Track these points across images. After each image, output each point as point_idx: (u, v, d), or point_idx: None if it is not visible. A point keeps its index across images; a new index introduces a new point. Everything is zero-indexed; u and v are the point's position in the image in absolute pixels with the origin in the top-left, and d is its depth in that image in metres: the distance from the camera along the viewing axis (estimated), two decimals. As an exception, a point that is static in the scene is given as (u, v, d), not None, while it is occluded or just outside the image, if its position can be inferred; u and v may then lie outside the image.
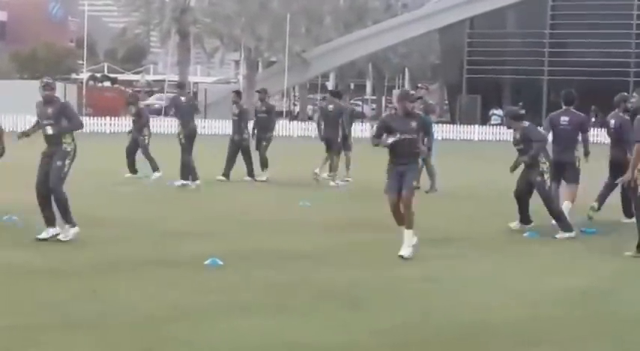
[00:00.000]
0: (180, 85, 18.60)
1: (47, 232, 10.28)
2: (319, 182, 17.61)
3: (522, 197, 11.82)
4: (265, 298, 7.76)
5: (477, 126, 46.53)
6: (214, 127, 42.05)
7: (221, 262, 9.08)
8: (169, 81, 55.88)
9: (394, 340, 6.60)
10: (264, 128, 18.58)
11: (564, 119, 12.69)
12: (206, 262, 9.05)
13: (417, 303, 7.73)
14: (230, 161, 18.12)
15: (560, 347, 6.55)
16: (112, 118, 43.79)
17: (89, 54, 57.96)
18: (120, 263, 9.13)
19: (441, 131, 39.80)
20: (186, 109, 17.14)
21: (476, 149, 35.81)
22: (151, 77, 78.52)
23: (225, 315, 7.16)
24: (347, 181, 18.36)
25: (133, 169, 18.29)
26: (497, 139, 44.02)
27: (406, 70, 75.78)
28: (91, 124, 39.49)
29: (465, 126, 45.79)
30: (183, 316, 7.07)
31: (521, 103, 54.05)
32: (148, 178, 17.53)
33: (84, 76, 56.74)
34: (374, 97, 75.26)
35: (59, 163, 10.16)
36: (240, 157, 18.12)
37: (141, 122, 18.59)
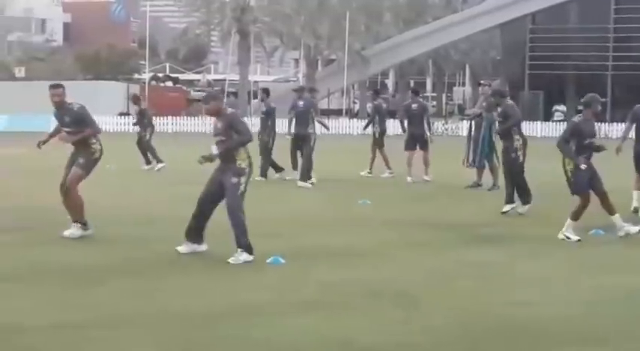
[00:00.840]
0: (299, 90, 19.07)
1: (187, 246, 9.53)
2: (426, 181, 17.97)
3: (507, 178, 13.35)
4: (323, 297, 7.75)
5: (539, 122, 45.93)
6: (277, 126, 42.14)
7: (283, 261, 9.10)
8: (230, 80, 56.23)
9: (448, 338, 6.54)
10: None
11: None
12: (268, 261, 9.08)
13: (472, 301, 7.64)
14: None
15: (614, 346, 6.42)
16: (174, 117, 44.29)
17: (151, 54, 58.64)
18: (182, 261, 9.20)
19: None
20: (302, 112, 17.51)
21: (538, 146, 35.28)
22: (211, 77, 79.08)
23: (282, 313, 7.17)
24: (426, 180, 18.25)
25: (147, 159, 20.57)
26: (561, 135, 43.47)
27: (467, 66, 75.21)
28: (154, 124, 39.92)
29: (528, 123, 45.19)
30: (241, 314, 7.08)
31: (583, 100, 53.44)
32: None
33: (146, 76, 57.40)
34: (434, 94, 74.82)
35: (234, 180, 9.17)
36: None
37: (143, 120, 21.02)
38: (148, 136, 20.68)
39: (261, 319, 6.96)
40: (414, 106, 18.53)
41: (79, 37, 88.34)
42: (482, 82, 17.55)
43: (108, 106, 43.21)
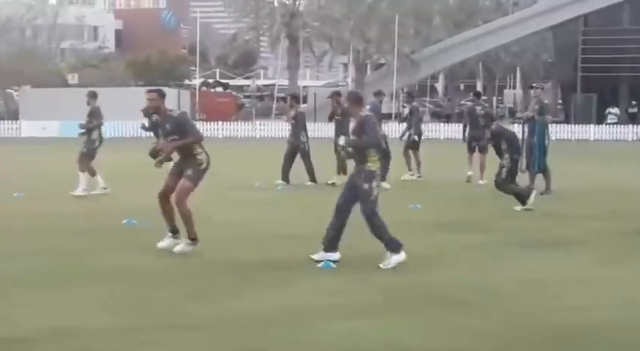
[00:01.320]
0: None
1: (319, 255, 9.35)
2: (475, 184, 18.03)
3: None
4: (374, 300, 7.73)
5: (592, 126, 45.32)
6: (323, 131, 42.23)
7: (334, 265, 9.06)
8: (279, 85, 56.47)
9: (502, 343, 6.47)
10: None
11: None
12: (319, 265, 9.05)
13: (524, 306, 7.55)
14: (287, 164, 17.95)
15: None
16: (224, 123, 44.56)
17: (201, 60, 59.13)
18: (234, 265, 9.22)
19: (556, 131, 38.98)
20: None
21: (592, 149, 34.86)
22: (261, 82, 79.53)
23: (334, 316, 7.15)
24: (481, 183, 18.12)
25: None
26: (614, 138, 42.82)
27: (518, 69, 74.54)
28: (204, 129, 40.27)
29: (581, 126, 44.67)
30: (294, 318, 7.09)
31: (634, 102, 52.58)
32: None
33: (196, 82, 57.90)
34: (485, 98, 74.23)
35: (366, 186, 9.15)
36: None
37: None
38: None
39: (313, 322, 6.95)
40: (479, 108, 18.53)
41: (131, 43, 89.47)
42: (534, 84, 17.31)
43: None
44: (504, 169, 13.90)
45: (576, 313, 7.31)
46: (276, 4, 58.44)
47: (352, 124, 9.30)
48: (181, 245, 9.88)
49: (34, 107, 46.23)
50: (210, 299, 7.72)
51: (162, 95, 9.86)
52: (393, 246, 9.17)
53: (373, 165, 9.13)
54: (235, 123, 45.84)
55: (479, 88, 77.59)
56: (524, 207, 13.73)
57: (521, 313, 7.28)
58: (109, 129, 41.80)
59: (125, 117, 42.31)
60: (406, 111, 54.47)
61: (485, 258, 9.82)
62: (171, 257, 9.69)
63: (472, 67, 69.94)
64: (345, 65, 72.08)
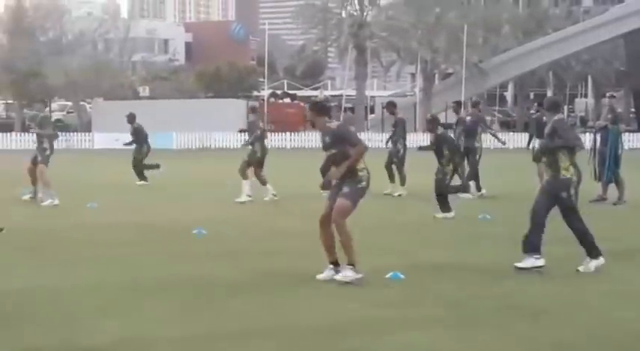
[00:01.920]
0: (541, 104, 19.25)
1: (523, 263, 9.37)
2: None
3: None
4: (445, 312, 7.66)
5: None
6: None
7: (402, 276, 9.03)
8: (346, 95, 56.54)
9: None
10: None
11: None
12: (387, 276, 9.02)
13: (603, 317, 7.40)
14: (395, 171, 18.29)
15: None
16: (293, 133, 44.75)
17: (269, 71, 59.56)
18: (302, 275, 9.24)
19: (628, 140, 38.24)
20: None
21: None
22: (328, 92, 79.74)
23: (404, 328, 7.11)
24: None
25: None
26: (690, 147, 41.80)
27: (589, 77, 73.32)
28: (273, 140, 40.51)
29: (651, 133, 43.76)
30: (362, 329, 7.06)
31: None
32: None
33: (265, 93, 58.30)
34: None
35: (563, 194, 9.42)
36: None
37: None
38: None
39: (384, 334, 6.92)
40: (545, 118, 18.30)
41: (200, 55, 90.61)
42: (607, 93, 17.07)
43: (228, 123, 44.06)
44: (447, 176, 14.25)
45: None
46: (343, 15, 58.56)
47: (546, 128, 9.49)
48: (342, 273, 8.93)
49: (106, 119, 47.12)
50: (281, 309, 7.74)
51: (316, 110, 9.17)
52: (595, 252, 9.29)
53: (567, 172, 9.27)
54: (303, 133, 46.03)
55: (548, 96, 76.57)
56: (444, 215, 14.13)
57: (601, 324, 7.15)
58: (176, 140, 42.48)
59: (196, 128, 42.84)
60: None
61: (558, 268, 9.66)
62: (243, 267, 9.75)
63: (542, 76, 69.02)
64: (413, 75, 71.80)
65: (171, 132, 41.57)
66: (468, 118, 18.27)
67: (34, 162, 16.68)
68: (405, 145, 18.36)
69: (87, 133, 46.17)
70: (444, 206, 14.26)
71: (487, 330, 7.03)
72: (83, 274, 9.36)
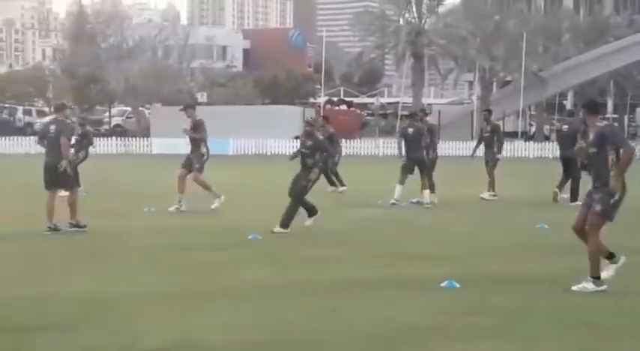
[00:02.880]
0: (571, 113, 19.55)
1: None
2: (558, 202, 17.35)
3: None
4: (499, 322, 7.56)
5: None
6: (449, 149, 41.95)
7: (457, 285, 8.94)
8: (403, 103, 56.40)
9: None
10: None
11: None
12: (442, 284, 8.95)
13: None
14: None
15: None
16: (348, 140, 44.74)
17: (326, 78, 59.66)
18: (355, 283, 9.22)
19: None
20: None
21: None
22: (385, 100, 79.61)
23: (456, 337, 7.04)
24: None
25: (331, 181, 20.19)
26: None
27: (651, 86, 72.00)
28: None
29: None
30: (415, 337, 7.03)
31: None
32: None
33: (321, 100, 58.41)
34: (615, 116, 72.08)
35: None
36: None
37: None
38: (335, 160, 20.26)
39: (437, 342, 6.87)
40: (565, 127, 18.46)
41: (258, 62, 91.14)
42: None
43: (285, 130, 44.23)
44: (311, 183, 13.39)
45: None
46: (401, 22, 58.43)
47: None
48: (582, 284, 8.85)
49: (164, 125, 47.61)
50: (334, 316, 7.72)
51: (589, 108, 9.06)
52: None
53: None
54: (359, 140, 45.97)
55: (609, 106, 75.50)
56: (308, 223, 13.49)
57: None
58: (232, 146, 42.74)
59: (252, 134, 43.09)
60: (532, 129, 52.78)
61: (620, 281, 9.46)
62: (296, 273, 9.76)
63: (603, 85, 68.02)
64: (470, 83, 71.35)
65: (228, 138, 41.86)
66: (410, 129, 17.54)
67: (186, 167, 16.27)
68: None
69: (145, 138, 46.71)
70: (310, 210, 13.62)
71: (546, 342, 6.92)
72: (138, 278, 9.45)
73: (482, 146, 19.03)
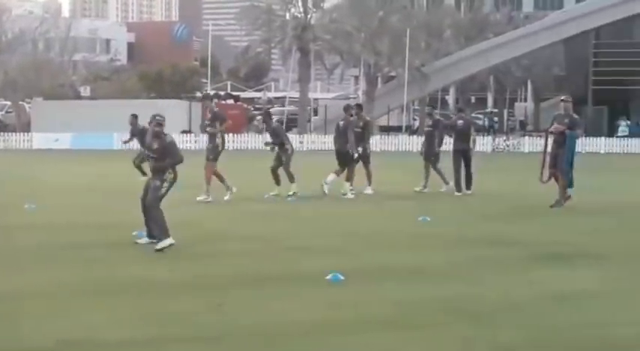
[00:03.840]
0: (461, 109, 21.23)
1: None
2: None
3: None
4: (386, 313, 7.72)
5: (603, 138, 45.27)
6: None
7: (342, 277, 9.08)
8: (290, 97, 56.59)
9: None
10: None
11: None
12: (327, 278, 9.07)
13: (542, 320, 7.53)
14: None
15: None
16: (235, 135, 44.62)
17: (213, 73, 59.31)
18: (243, 278, 9.25)
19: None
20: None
21: (603, 162, 34.78)
22: (272, 94, 79.71)
23: (344, 330, 7.15)
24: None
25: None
26: (625, 151, 42.75)
27: (529, 82, 74.44)
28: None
29: (591, 138, 44.59)
30: (304, 331, 7.09)
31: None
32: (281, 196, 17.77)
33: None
34: (495, 110, 74.22)
35: None
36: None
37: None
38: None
39: (325, 336, 6.97)
40: (460, 122, 19.33)
41: (143, 56, 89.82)
42: (563, 98, 17.18)
43: (171, 124, 43.69)
44: (165, 189, 11.30)
45: (596, 328, 7.27)
46: (287, 17, 58.57)
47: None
48: None
49: (45, 119, 46.46)
50: (224, 312, 7.73)
51: None
52: None
53: None
54: (246, 135, 45.93)
55: (489, 101, 77.63)
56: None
57: (540, 328, 7.25)
58: (117, 140, 42.08)
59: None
60: (416, 124, 53.89)
61: (498, 272, 9.80)
62: (185, 270, 9.73)
63: (483, 80, 69.89)
64: (356, 78, 72.10)
65: (112, 132, 41.15)
66: (341, 122, 18.45)
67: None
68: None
69: (26, 133, 45.43)
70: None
71: (431, 331, 7.11)
72: (20, 278, 9.24)
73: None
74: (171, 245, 10.74)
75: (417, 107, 68.55)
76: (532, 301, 8.29)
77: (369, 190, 18.50)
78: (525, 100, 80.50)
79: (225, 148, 17.77)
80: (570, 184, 16.12)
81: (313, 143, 45.04)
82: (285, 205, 16.48)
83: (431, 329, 7.19)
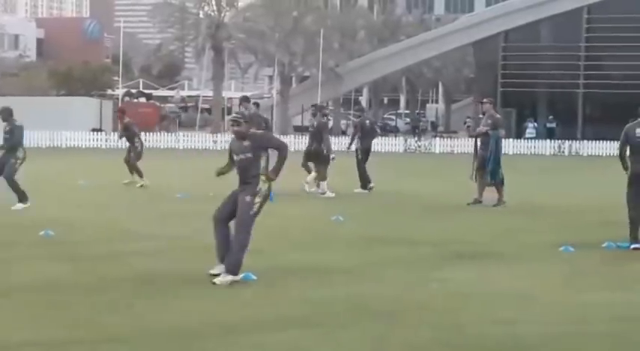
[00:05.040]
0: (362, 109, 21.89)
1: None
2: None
3: None
4: (298, 313, 7.75)
5: (511, 140, 46.22)
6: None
7: (254, 277, 9.08)
8: (203, 96, 56.20)
9: (428, 355, 6.58)
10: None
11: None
12: (239, 277, 9.05)
13: (450, 318, 7.67)
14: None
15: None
16: (147, 133, 44.05)
17: (125, 70, 58.49)
18: (155, 277, 9.16)
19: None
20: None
21: (511, 163, 35.50)
22: (185, 93, 79.03)
23: (257, 329, 7.16)
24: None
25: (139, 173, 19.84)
26: (532, 152, 43.76)
27: (440, 84, 75.67)
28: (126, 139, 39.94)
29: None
30: (216, 331, 7.07)
31: (551, 117, 53.90)
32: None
33: (119, 92, 57.24)
34: (407, 112, 75.21)
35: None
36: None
37: (128, 134, 20.74)
38: (139, 149, 20.48)
39: (237, 335, 6.95)
40: (367, 122, 20.21)
41: (53, 52, 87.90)
42: (485, 99, 17.50)
43: (81, 122, 43.03)
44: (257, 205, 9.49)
45: (503, 326, 7.42)
46: (201, 15, 58.17)
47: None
48: None
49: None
50: (131, 312, 7.64)
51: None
52: None
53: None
54: (158, 133, 45.42)
55: (402, 102, 78.64)
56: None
57: (448, 325, 7.38)
58: (25, 138, 41.12)
59: (46, 126, 41.63)
60: (330, 124, 54.41)
61: (407, 271, 9.93)
62: (92, 269, 9.57)
63: (395, 82, 70.75)
64: (271, 77, 72.11)
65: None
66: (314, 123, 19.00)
67: None
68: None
69: None
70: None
71: (344, 331, 7.15)
72: None
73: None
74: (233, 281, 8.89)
75: (331, 107, 68.97)
76: (440, 299, 8.43)
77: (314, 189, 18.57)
78: (437, 101, 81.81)
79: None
80: (502, 182, 16.54)
81: (227, 142, 44.82)
82: (197, 205, 16.37)
83: (341, 328, 7.25)
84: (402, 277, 9.53)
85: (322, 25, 56.08)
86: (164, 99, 72.32)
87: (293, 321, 7.44)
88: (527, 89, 55.93)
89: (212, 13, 57.36)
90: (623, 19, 53.12)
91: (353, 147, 19.86)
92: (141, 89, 68.00)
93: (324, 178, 18.35)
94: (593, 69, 54.85)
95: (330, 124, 62.86)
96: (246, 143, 9.00)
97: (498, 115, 17.12)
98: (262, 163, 8.97)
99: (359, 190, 19.00)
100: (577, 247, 11.41)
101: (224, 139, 45.42)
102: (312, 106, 21.14)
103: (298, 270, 9.76)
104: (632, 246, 11.41)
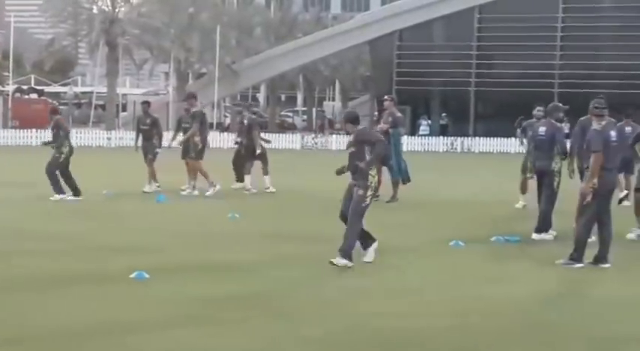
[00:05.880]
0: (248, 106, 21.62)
1: None
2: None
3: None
4: (192, 311, 7.76)
5: (405, 137, 46.97)
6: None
7: (147, 275, 9.04)
8: (97, 93, 55.20)
9: (322, 348, 6.68)
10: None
11: None
12: (132, 276, 9.00)
13: (344, 313, 7.81)
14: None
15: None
16: (39, 130, 43.11)
17: (15, 66, 56.94)
18: (48, 278, 9.03)
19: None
20: None
21: (407, 160, 36.05)
22: (79, 89, 77.44)
23: (150, 328, 7.16)
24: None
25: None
26: (426, 149, 44.57)
27: (337, 81, 76.24)
28: (17, 136, 39.07)
29: (394, 137, 46.11)
30: (108, 331, 7.03)
31: (444, 114, 55.07)
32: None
33: (10, 88, 55.72)
34: (304, 109, 75.55)
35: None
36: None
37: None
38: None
39: (130, 335, 6.95)
40: (246, 120, 19.85)
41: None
42: (386, 97, 17.65)
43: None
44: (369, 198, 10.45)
45: (393, 319, 7.61)
46: (95, 10, 57.10)
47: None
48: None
49: None
50: (25, 313, 7.53)
51: None
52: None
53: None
54: (50, 130, 44.42)
55: (299, 99, 78.91)
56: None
57: (341, 321, 7.51)
58: None
59: None
60: (227, 121, 53.83)
61: (302, 267, 10.04)
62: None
63: (293, 79, 70.95)
64: (167, 74, 71.31)
65: None
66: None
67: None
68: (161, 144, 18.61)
69: None
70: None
71: (235, 327, 7.22)
72: None
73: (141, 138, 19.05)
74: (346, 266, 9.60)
75: (228, 104, 68.66)
76: (335, 295, 8.58)
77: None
78: (333, 99, 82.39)
79: (29, 143, 17.16)
80: (408, 179, 16.81)
81: (121, 139, 44.10)
82: (92, 204, 16.14)
83: (235, 325, 7.30)
84: (297, 274, 9.64)
85: (219, 21, 55.83)
86: (57, 95, 70.74)
87: (185, 318, 7.45)
88: (421, 87, 56.92)
89: (106, 8, 56.39)
90: (514, 19, 54.59)
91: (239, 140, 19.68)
92: (32, 85, 66.37)
93: (266, 173, 18.55)
94: (484, 68, 56.22)
95: (228, 121, 62.97)
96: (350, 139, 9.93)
97: (399, 114, 17.37)
98: (367, 156, 9.81)
99: (237, 185, 18.91)
100: (467, 242, 11.73)
101: (118, 136, 44.81)
102: (236, 104, 20.95)
103: (192, 268, 9.77)
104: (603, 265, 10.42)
